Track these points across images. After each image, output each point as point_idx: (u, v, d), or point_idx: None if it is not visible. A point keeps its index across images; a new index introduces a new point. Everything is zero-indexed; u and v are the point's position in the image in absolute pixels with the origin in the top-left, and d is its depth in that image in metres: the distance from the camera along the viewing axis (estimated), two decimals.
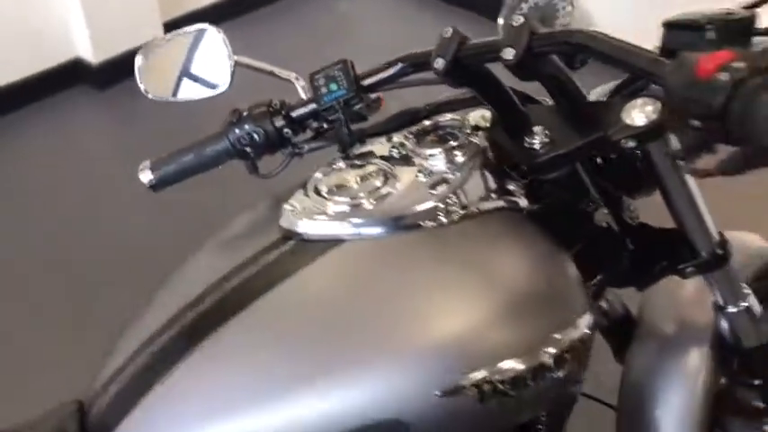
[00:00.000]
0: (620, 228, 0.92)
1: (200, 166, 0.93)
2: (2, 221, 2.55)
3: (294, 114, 0.91)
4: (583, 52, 0.76)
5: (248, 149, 0.90)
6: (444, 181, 0.84)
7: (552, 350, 0.78)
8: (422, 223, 0.81)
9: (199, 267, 0.91)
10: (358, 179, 0.86)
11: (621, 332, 1.13)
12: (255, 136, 0.90)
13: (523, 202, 0.89)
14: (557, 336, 0.79)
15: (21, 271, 2.36)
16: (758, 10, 0.80)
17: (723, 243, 0.97)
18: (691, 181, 0.93)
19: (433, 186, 0.83)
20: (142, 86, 1.01)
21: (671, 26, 0.79)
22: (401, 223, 0.82)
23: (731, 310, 1.04)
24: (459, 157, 0.86)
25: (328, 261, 0.81)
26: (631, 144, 0.77)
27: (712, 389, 1.07)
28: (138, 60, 1.01)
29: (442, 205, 0.82)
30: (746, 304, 1.05)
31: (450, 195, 0.83)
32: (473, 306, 0.79)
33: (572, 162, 0.86)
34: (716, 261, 0.97)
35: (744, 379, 1.17)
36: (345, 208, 0.83)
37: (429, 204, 0.82)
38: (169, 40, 1.02)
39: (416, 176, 0.85)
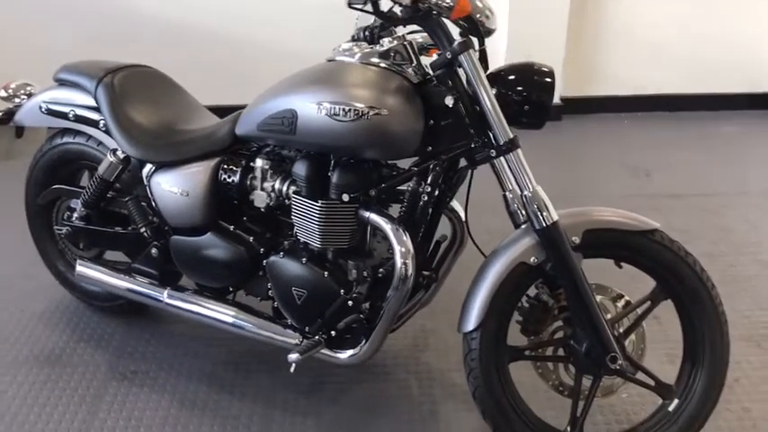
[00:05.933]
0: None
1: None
2: None
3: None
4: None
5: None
6: (388, 51, 1.84)
7: (372, 112, 1.72)
8: (364, 61, 1.83)
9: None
10: (362, 46, 1.88)
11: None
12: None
13: (413, 78, 1.81)
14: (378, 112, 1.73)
15: None
16: None
17: (515, 137, 1.72)
18: (490, 94, 1.71)
19: (381, 53, 1.84)
20: None
21: None
22: (361, 60, 1.84)
23: (526, 193, 1.73)
24: (395, 46, 1.85)
25: (332, 63, 1.89)
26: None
27: (518, 267, 1.78)
28: None
29: (378, 59, 1.83)
30: (537, 187, 1.73)
31: (380, 54, 1.83)
32: (355, 83, 1.78)
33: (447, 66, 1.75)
34: (512, 145, 1.73)
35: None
36: (348, 50, 1.88)
37: (375, 57, 1.84)
38: None
39: (373, 47, 1.87)
